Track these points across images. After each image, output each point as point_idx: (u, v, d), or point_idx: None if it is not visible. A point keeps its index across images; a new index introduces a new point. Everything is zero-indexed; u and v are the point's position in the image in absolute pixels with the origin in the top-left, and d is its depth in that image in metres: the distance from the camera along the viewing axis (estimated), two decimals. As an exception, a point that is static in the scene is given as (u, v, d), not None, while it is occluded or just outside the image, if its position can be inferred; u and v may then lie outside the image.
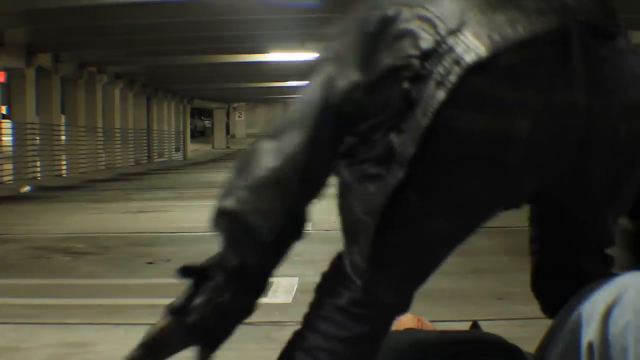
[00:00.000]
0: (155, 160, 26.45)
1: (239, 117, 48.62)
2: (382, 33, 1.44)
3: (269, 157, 1.56)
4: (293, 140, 1.53)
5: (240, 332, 3.38)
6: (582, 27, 1.45)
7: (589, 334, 1.27)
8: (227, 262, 1.67)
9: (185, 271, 1.65)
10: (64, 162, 18.19)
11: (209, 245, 6.00)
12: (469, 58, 1.37)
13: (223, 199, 1.67)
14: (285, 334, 3.31)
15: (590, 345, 1.26)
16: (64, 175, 17.71)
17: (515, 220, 7.79)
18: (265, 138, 1.58)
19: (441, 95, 1.36)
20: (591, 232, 1.58)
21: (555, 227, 1.72)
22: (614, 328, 1.25)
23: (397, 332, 2.25)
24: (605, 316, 1.26)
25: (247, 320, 3.82)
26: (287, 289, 4.24)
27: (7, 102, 20.92)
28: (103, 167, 20.44)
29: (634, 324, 1.24)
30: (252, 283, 1.74)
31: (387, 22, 1.44)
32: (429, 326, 2.39)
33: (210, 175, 18.32)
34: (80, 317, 3.70)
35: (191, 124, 39.12)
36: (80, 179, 17.13)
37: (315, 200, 1.66)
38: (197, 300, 1.66)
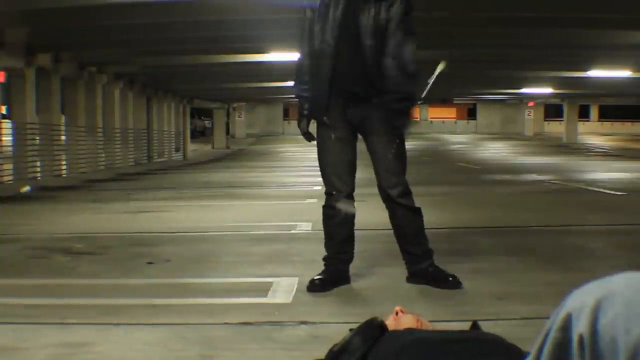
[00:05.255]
0: (155, 160, 26.44)
1: (239, 117, 48.63)
2: None
3: None
4: None
5: (241, 332, 3.39)
6: None
7: (579, 327, 1.28)
8: None
9: None
10: (64, 162, 18.17)
11: (209, 245, 6.12)
12: None
13: None
14: (285, 334, 3.32)
15: (581, 338, 1.27)
16: (64, 175, 17.70)
17: (515, 220, 7.91)
18: None
19: None
20: None
21: None
22: (604, 319, 1.25)
23: (397, 332, 2.25)
24: (595, 309, 1.27)
25: (247, 320, 3.83)
26: (287, 289, 4.24)
27: (7, 102, 20.90)
28: (103, 167, 20.43)
29: (623, 315, 1.24)
30: None
31: None
32: (428, 326, 2.39)
33: (210, 175, 18.32)
34: (80, 317, 3.69)
35: (191, 124, 39.10)
36: (80, 179, 17.12)
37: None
38: None
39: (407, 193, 4.35)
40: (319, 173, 4.41)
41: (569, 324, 1.30)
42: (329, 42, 4.17)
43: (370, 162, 4.39)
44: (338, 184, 4.32)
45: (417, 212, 4.41)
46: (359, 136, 4.40)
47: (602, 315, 1.26)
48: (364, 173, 4.50)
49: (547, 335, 1.34)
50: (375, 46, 4.15)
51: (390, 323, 2.33)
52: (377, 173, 4.36)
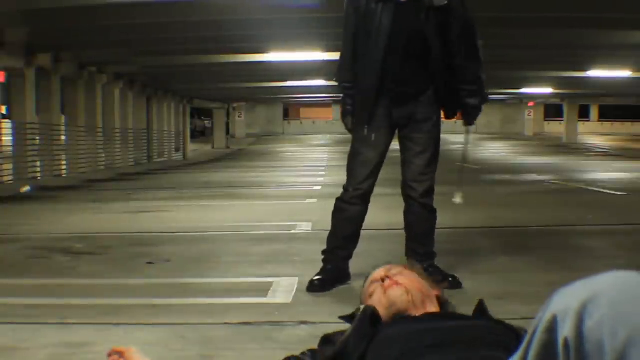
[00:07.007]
0: (155, 160, 26.43)
1: (239, 117, 48.62)
2: None
3: None
4: None
5: (241, 332, 3.39)
6: None
7: (565, 330, 1.25)
8: None
9: None
10: (64, 162, 18.16)
11: (209, 245, 6.11)
12: None
13: None
14: (285, 334, 3.32)
15: (566, 341, 1.25)
16: (64, 175, 17.70)
17: (515, 220, 7.91)
18: None
19: None
20: None
21: None
22: (589, 322, 1.23)
23: (395, 333, 2.24)
24: (580, 311, 1.25)
25: (247, 320, 3.83)
26: (287, 289, 4.25)
27: (7, 102, 20.88)
28: (103, 167, 20.42)
29: (609, 317, 1.22)
30: None
31: None
32: (398, 273, 2.35)
33: (210, 175, 18.32)
34: (80, 317, 3.69)
35: (191, 124, 39.09)
36: (80, 179, 17.12)
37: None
38: None
39: (430, 192, 4.42)
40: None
41: (554, 326, 1.27)
42: (379, 47, 4.18)
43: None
44: (361, 183, 4.35)
45: (433, 212, 4.45)
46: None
47: (588, 317, 1.24)
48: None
49: (533, 335, 1.33)
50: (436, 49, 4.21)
51: (377, 300, 2.29)
52: (407, 169, 4.39)
